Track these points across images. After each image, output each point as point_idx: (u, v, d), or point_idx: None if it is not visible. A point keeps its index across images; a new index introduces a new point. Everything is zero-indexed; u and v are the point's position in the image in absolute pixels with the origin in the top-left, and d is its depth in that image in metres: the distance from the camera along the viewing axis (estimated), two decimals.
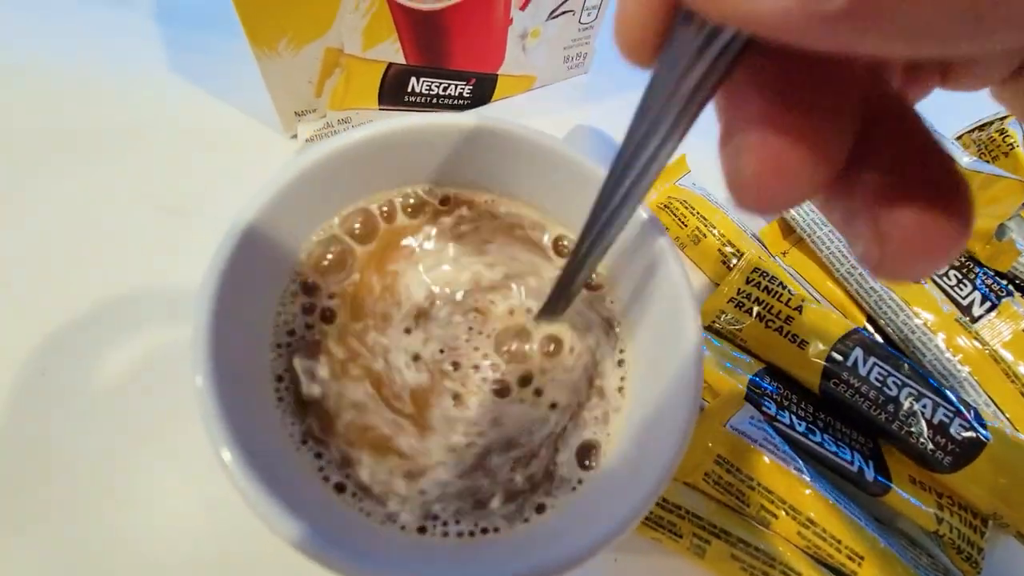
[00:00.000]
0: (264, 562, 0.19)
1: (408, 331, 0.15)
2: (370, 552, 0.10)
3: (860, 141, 0.08)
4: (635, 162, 0.09)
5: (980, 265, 0.26)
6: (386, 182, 0.15)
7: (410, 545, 0.12)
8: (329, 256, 0.15)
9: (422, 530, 0.12)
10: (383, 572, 0.09)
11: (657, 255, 0.13)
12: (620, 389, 0.15)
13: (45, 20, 0.29)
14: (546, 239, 0.17)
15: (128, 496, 0.19)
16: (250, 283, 0.12)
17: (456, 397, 0.14)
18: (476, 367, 0.15)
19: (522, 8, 0.25)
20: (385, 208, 0.16)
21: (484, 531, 0.12)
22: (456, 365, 0.15)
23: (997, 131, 0.29)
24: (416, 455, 0.13)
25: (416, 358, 0.14)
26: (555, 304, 0.13)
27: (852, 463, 0.22)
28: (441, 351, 0.15)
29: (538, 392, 0.15)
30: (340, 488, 0.12)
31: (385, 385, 0.14)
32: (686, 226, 0.27)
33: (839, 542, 0.20)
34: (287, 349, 0.14)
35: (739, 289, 0.25)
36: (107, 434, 0.20)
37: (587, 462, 0.14)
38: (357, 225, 0.15)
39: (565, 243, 0.17)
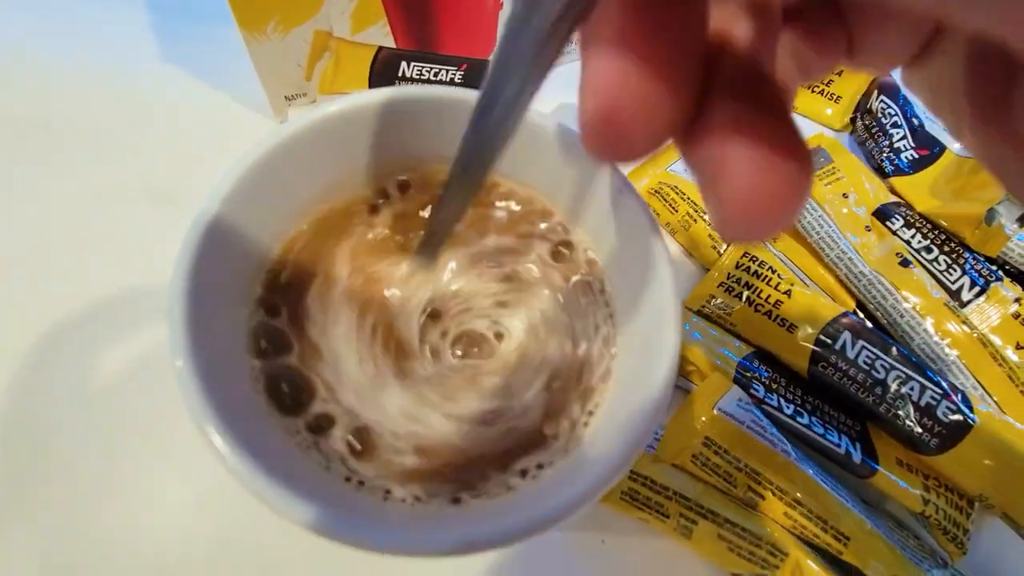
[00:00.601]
0: (262, 555, 0.19)
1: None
2: (365, 519, 0.10)
3: (707, 90, 0.08)
4: (498, 98, 0.09)
5: (969, 250, 0.26)
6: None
7: (400, 510, 0.12)
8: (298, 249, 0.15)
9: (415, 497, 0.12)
10: (375, 536, 0.09)
11: (647, 248, 0.13)
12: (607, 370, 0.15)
13: (36, 13, 0.29)
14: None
15: (125, 493, 0.19)
16: (222, 268, 0.12)
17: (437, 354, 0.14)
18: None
19: None
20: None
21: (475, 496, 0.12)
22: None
23: None
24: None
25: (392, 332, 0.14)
26: (430, 246, 0.12)
27: (839, 445, 0.22)
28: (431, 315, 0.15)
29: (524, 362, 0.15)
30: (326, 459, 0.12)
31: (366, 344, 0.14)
32: (676, 212, 0.27)
33: (826, 523, 0.20)
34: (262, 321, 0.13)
35: (729, 274, 0.25)
36: (106, 431, 0.20)
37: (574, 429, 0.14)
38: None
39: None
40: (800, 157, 0.08)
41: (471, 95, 0.14)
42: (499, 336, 0.14)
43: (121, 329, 0.22)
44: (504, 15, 0.26)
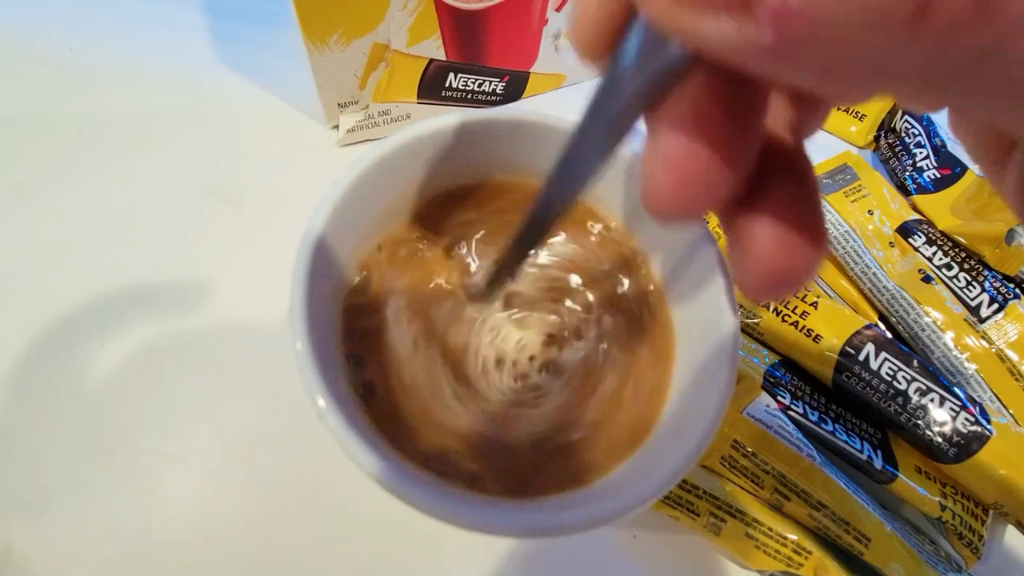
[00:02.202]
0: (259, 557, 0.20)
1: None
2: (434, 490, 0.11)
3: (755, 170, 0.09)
4: (580, 159, 0.10)
5: (989, 268, 0.27)
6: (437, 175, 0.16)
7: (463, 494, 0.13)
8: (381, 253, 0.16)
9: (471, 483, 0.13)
10: (455, 507, 0.11)
11: (708, 265, 0.14)
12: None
13: (99, 11, 0.30)
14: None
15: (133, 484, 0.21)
16: (326, 270, 0.13)
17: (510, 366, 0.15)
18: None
19: (557, 9, 0.26)
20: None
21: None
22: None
23: None
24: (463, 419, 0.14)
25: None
26: (494, 285, 0.14)
27: (861, 451, 0.23)
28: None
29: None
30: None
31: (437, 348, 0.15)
32: (708, 222, 0.28)
33: (848, 524, 0.21)
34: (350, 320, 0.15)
35: None
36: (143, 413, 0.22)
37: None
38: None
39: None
40: (819, 240, 0.09)
41: (534, 116, 0.15)
42: (559, 371, 0.15)
43: (191, 309, 0.23)
44: (547, 30, 0.27)
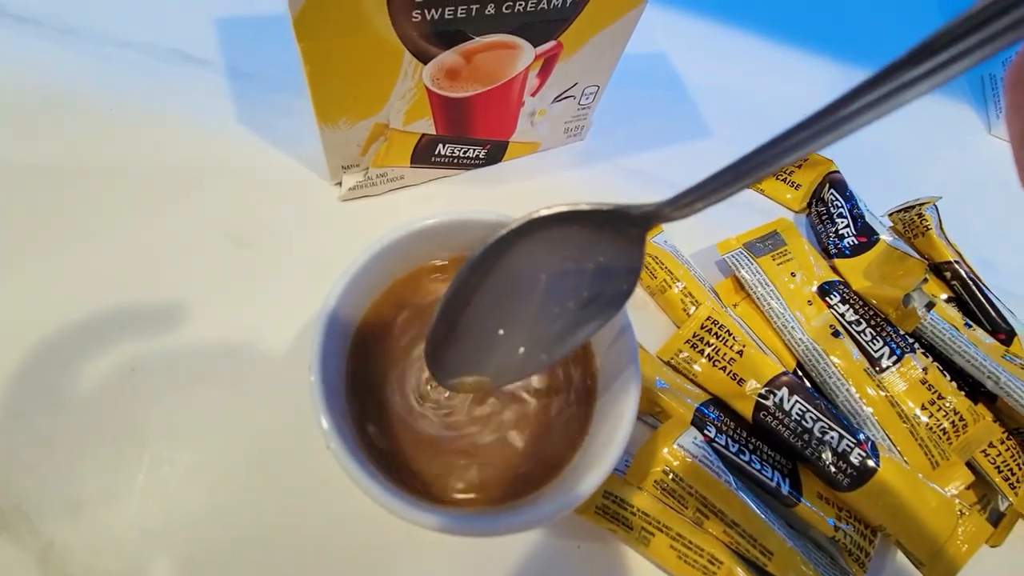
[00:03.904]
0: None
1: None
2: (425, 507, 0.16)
3: None
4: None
5: (892, 325, 0.32)
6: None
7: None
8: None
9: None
10: (441, 518, 0.15)
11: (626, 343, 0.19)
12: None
13: (134, 71, 0.34)
14: None
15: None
16: (337, 323, 0.17)
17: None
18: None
19: (532, 95, 0.31)
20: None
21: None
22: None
23: (917, 214, 0.35)
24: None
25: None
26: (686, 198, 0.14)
27: (772, 479, 0.28)
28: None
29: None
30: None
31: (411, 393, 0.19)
32: (656, 278, 0.33)
33: (755, 540, 0.26)
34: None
35: (694, 333, 0.31)
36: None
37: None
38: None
39: None
40: None
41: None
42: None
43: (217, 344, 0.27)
44: (524, 111, 0.32)
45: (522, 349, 0.16)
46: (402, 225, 0.18)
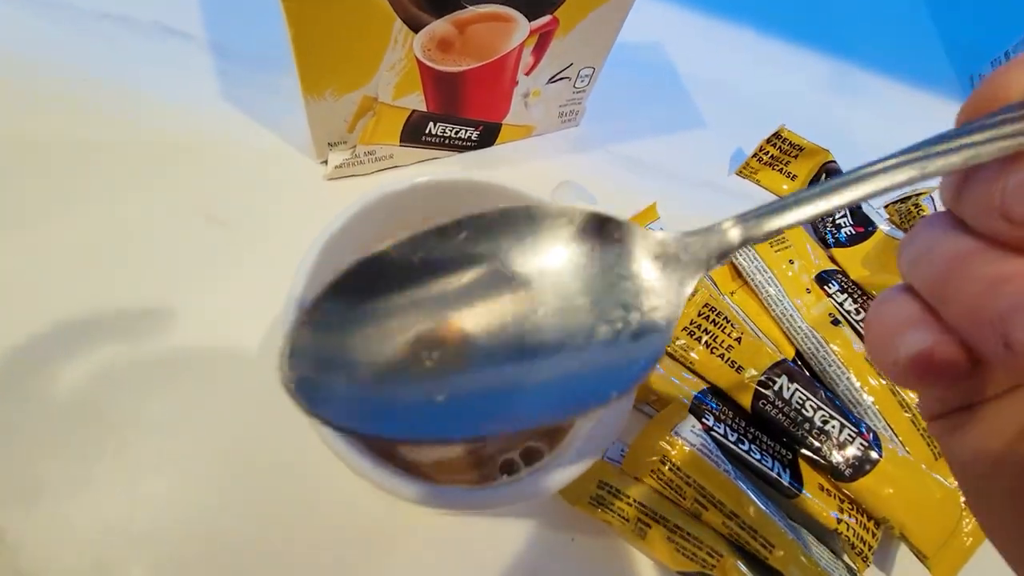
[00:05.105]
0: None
1: None
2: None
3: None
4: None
5: None
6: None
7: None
8: None
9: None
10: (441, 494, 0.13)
11: None
12: None
13: (114, 45, 0.33)
14: None
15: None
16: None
17: None
18: None
19: (527, 74, 0.30)
20: None
21: None
22: None
23: (913, 204, 0.35)
24: None
25: None
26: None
27: (772, 469, 0.27)
28: None
29: None
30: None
31: None
32: None
33: (756, 532, 0.25)
34: None
35: (692, 320, 0.30)
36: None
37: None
38: None
39: None
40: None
41: (493, 182, 0.19)
42: None
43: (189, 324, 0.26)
44: (518, 90, 0.31)
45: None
46: (381, 187, 0.17)
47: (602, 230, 0.11)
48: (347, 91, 0.26)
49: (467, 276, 0.10)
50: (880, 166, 0.11)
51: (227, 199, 0.29)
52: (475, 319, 0.10)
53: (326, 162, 0.31)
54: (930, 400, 0.12)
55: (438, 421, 0.09)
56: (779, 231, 0.11)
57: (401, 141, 0.30)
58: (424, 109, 0.29)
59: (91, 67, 0.31)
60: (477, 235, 0.10)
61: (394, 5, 0.23)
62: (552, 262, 0.11)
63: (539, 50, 0.29)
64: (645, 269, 0.11)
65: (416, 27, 0.25)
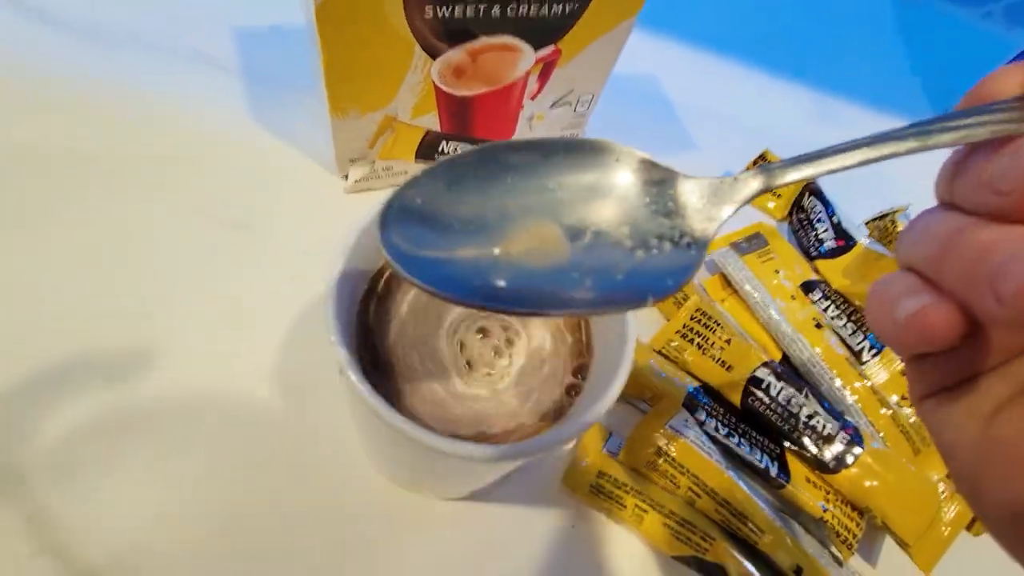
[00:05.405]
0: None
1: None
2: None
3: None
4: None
5: None
6: None
7: None
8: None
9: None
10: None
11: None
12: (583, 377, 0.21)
13: (154, 70, 0.36)
14: None
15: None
16: (348, 282, 0.18)
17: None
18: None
19: (532, 99, 0.33)
20: None
21: None
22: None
23: (890, 221, 0.38)
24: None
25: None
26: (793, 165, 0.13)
27: (761, 462, 0.28)
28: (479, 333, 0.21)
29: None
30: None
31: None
32: None
33: (746, 519, 0.26)
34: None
35: (684, 324, 0.32)
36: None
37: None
38: None
39: None
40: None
41: None
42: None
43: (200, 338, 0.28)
44: (523, 114, 0.34)
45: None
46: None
47: (651, 168, 0.13)
48: (369, 111, 0.29)
49: (532, 184, 0.13)
50: (886, 136, 0.12)
51: (253, 208, 0.32)
52: (538, 223, 0.13)
53: (346, 176, 0.33)
54: (919, 377, 0.13)
55: (503, 298, 0.12)
56: (792, 182, 0.13)
57: (416, 157, 0.33)
58: (438, 129, 0.32)
59: (137, 88, 0.34)
60: (545, 154, 0.13)
61: (416, 35, 0.26)
62: (608, 186, 0.13)
63: (543, 77, 0.32)
64: (684, 200, 0.13)
65: (434, 55, 0.27)
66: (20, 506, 0.22)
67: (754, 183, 0.13)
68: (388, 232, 0.12)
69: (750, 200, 0.13)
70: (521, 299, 0.12)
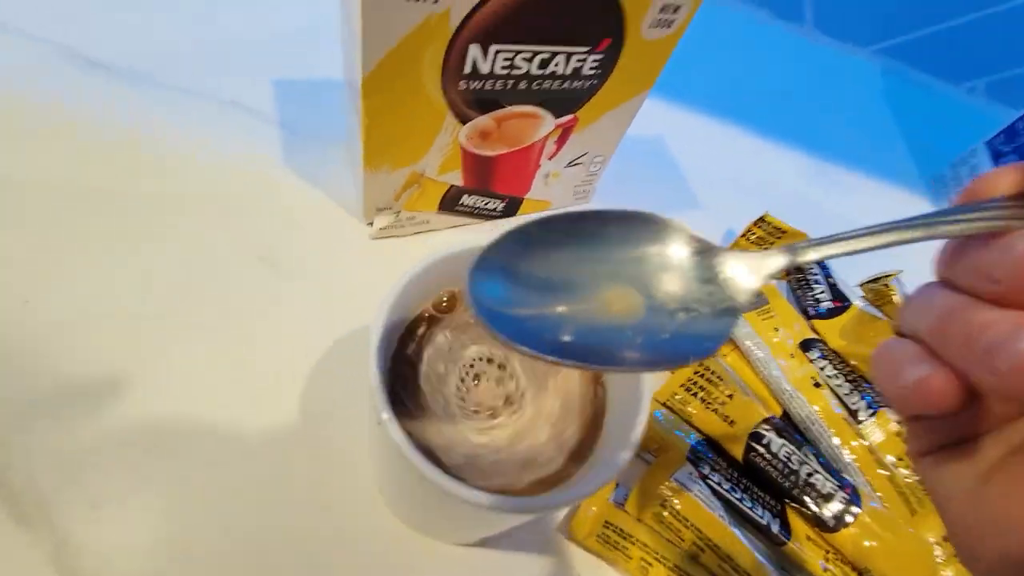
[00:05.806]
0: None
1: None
2: None
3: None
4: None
5: (867, 381, 0.34)
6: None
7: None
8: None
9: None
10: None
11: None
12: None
13: (196, 118, 0.38)
14: None
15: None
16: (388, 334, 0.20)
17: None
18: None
19: (549, 159, 0.35)
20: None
21: None
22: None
23: (884, 284, 0.40)
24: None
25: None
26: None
27: (763, 518, 0.29)
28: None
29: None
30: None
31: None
32: None
33: (748, 575, 0.27)
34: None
35: (688, 378, 0.33)
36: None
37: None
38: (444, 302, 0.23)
39: None
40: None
41: None
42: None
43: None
44: (540, 172, 0.36)
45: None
46: (464, 241, 0.21)
47: (697, 240, 0.15)
48: (401, 167, 0.31)
49: (598, 253, 0.15)
50: (896, 224, 0.13)
51: (283, 250, 0.34)
52: (600, 289, 0.15)
53: (371, 223, 0.35)
54: (919, 435, 0.15)
55: (570, 352, 0.13)
56: (812, 261, 0.14)
57: (439, 209, 0.35)
58: (461, 184, 0.34)
59: (179, 134, 0.37)
60: (608, 224, 0.15)
61: (449, 104, 0.28)
62: (666, 255, 0.15)
63: (561, 141, 0.34)
64: (721, 270, 0.15)
65: (464, 120, 0.30)
66: (43, 536, 0.23)
67: (781, 260, 0.15)
68: (476, 291, 0.14)
69: (777, 275, 0.15)
70: (587, 355, 0.13)
